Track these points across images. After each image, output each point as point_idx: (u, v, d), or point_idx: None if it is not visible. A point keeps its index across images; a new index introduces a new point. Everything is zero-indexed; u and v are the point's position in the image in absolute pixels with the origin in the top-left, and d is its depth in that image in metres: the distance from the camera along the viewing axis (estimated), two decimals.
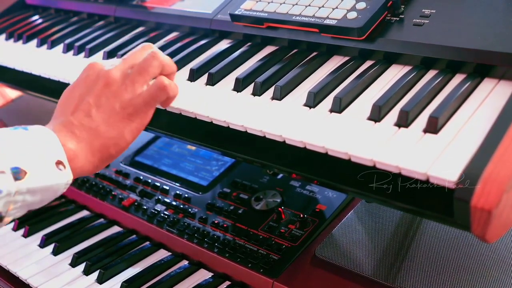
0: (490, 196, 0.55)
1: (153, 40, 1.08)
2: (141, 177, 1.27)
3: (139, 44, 1.00)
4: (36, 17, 1.41)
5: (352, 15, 0.81)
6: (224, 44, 0.98)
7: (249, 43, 0.96)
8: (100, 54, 1.10)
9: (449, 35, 0.75)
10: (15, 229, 1.20)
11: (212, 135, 0.83)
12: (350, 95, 0.75)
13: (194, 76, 0.90)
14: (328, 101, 0.75)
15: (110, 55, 1.07)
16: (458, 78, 0.73)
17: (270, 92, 0.81)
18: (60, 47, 1.18)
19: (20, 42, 1.28)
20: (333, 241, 0.96)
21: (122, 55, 1.05)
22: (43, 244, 1.14)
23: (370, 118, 0.70)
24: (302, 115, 0.75)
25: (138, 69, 0.79)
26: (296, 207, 1.06)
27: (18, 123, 0.74)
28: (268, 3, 0.91)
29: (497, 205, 0.54)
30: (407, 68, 0.78)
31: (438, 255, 0.89)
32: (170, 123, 0.89)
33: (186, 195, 1.17)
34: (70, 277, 1.04)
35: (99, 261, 1.06)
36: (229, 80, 0.87)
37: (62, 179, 0.72)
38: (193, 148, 1.32)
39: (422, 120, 0.67)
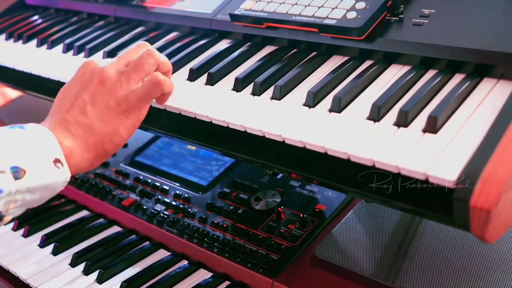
0: (489, 196, 0.55)
1: (153, 40, 1.08)
2: (141, 177, 1.27)
3: None
4: (36, 17, 1.41)
5: (352, 15, 0.81)
6: (223, 44, 0.98)
7: (248, 43, 0.96)
8: (100, 54, 1.10)
9: (449, 35, 0.75)
10: (15, 229, 1.20)
11: (212, 135, 0.83)
12: (349, 95, 0.75)
13: (193, 76, 0.90)
14: (327, 101, 0.76)
15: (110, 55, 1.07)
16: (457, 78, 0.73)
17: (269, 92, 0.81)
18: (60, 47, 1.18)
19: (20, 42, 1.28)
20: (332, 241, 0.96)
21: None
22: (43, 244, 1.14)
23: (369, 118, 0.70)
24: (301, 115, 0.75)
25: (133, 66, 0.79)
26: (296, 207, 1.06)
27: (18, 123, 0.74)
28: (268, 3, 0.91)
29: (496, 204, 0.54)
30: (406, 68, 0.78)
31: (438, 255, 0.89)
32: (170, 123, 0.89)
33: (186, 195, 1.17)
34: (70, 277, 1.04)
35: (98, 261, 1.06)
36: (229, 80, 0.87)
37: (61, 177, 0.72)
38: (193, 148, 1.32)
39: (421, 119, 0.67)
